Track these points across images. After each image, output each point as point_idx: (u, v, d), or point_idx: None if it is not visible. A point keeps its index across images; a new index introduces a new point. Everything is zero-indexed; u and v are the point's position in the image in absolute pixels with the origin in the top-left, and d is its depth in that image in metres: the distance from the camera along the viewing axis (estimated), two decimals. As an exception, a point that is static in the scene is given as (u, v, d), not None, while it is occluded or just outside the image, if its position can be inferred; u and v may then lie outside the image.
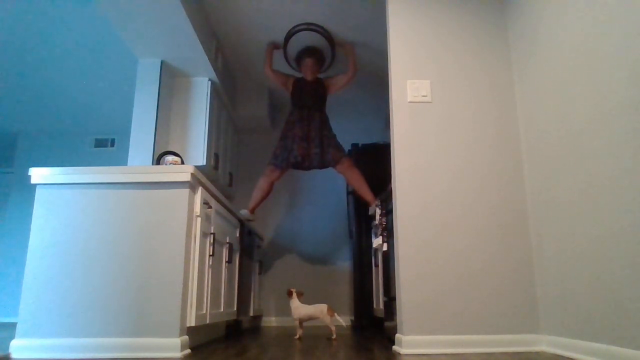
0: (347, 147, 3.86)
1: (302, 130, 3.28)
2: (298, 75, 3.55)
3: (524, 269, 2.12)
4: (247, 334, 3.10)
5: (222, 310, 2.55)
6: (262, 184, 3.34)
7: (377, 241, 2.74)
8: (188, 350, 1.99)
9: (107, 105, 4.64)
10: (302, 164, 3.26)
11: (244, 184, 4.40)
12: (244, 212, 3.30)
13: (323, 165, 3.27)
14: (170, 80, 3.36)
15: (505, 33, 2.42)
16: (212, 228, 2.36)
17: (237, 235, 3.03)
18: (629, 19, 1.51)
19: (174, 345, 1.88)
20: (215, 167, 3.54)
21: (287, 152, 3.26)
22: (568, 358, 1.77)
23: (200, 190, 2.18)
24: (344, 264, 4.24)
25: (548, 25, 2.02)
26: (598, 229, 1.65)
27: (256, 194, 3.35)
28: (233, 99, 4.08)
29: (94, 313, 1.94)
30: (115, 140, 5.31)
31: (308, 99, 3.38)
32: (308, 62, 3.41)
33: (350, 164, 3.26)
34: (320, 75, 3.60)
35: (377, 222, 2.78)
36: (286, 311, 4.03)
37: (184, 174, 2.07)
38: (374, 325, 3.46)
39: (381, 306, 2.81)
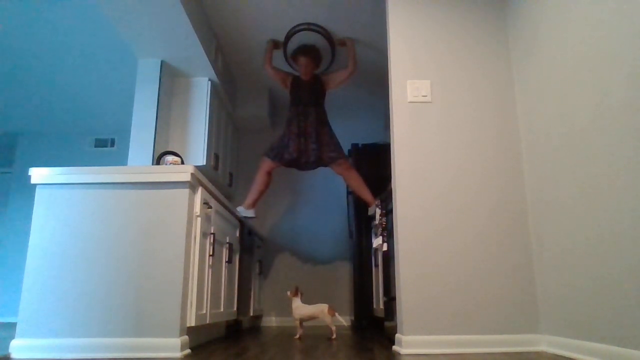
0: (347, 147, 3.86)
1: (298, 126, 3.27)
2: (297, 73, 3.55)
3: (524, 269, 2.12)
4: (247, 334, 3.10)
5: (222, 310, 2.56)
6: (258, 177, 3.31)
7: (377, 241, 2.74)
8: (188, 350, 1.99)
9: (107, 105, 4.64)
10: (299, 161, 3.24)
11: (244, 184, 4.39)
12: (241, 209, 3.27)
13: (320, 161, 3.24)
14: (170, 80, 3.36)
15: (505, 33, 2.42)
16: (212, 228, 2.36)
17: (237, 235, 3.03)
18: (629, 19, 1.51)
19: (174, 345, 1.88)
20: (215, 167, 3.54)
21: (283, 149, 3.26)
22: (568, 358, 1.77)
23: (200, 190, 2.18)
24: (344, 264, 4.24)
25: (548, 25, 2.02)
26: (598, 229, 1.65)
27: (254, 188, 3.31)
28: (233, 99, 4.08)
29: (94, 313, 1.94)
30: (115, 140, 5.31)
31: (305, 95, 3.37)
32: (302, 61, 3.38)
33: (349, 165, 3.25)
34: (319, 71, 3.60)
35: (377, 222, 2.78)
36: (286, 311, 4.03)
37: (184, 174, 2.07)
38: (374, 325, 3.46)
39: (381, 306, 2.81)
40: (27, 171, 2.22)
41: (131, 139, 3.01)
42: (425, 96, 2.31)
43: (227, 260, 2.66)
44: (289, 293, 2.79)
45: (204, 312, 2.21)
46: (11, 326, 3.81)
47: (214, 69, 3.33)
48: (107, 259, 2.00)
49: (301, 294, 2.78)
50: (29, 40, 3.45)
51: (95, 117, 4.94)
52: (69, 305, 1.95)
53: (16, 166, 5.26)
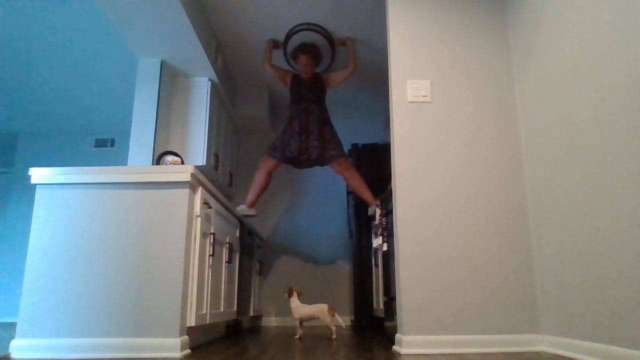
0: (347, 147, 3.86)
1: (300, 124, 3.26)
2: (297, 71, 3.55)
3: (524, 269, 2.12)
4: (247, 334, 3.10)
5: (222, 310, 2.56)
6: (258, 175, 3.29)
7: (377, 241, 2.74)
8: (188, 350, 1.99)
9: (107, 105, 4.64)
10: (300, 158, 3.23)
11: (244, 184, 4.39)
12: (241, 208, 3.26)
13: (322, 159, 3.23)
14: (170, 80, 3.36)
15: (505, 33, 2.42)
16: (212, 228, 2.36)
17: (237, 235, 3.03)
18: (629, 19, 1.51)
19: (174, 345, 1.88)
20: (215, 167, 3.54)
21: (284, 146, 3.25)
22: (568, 358, 1.77)
23: (200, 190, 2.18)
24: (344, 264, 4.24)
25: (548, 25, 2.02)
26: (598, 229, 1.65)
27: (254, 187, 3.29)
28: (233, 99, 4.09)
29: (94, 313, 1.94)
30: (115, 140, 5.31)
31: (306, 93, 3.37)
32: (302, 59, 3.38)
33: (349, 164, 3.24)
34: (318, 70, 3.60)
35: (377, 222, 2.78)
36: (286, 311, 4.03)
37: (184, 174, 2.07)
38: (374, 325, 3.46)
39: (381, 306, 2.81)
40: (27, 171, 2.22)
41: (131, 139, 3.01)
42: (425, 96, 2.31)
43: (227, 260, 2.66)
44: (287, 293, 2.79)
45: (204, 312, 2.21)
46: (11, 326, 3.81)
47: (214, 69, 3.33)
48: (107, 259, 2.00)
49: (298, 294, 2.78)
50: (29, 40, 3.45)
51: (95, 117, 4.94)
52: (69, 305, 1.95)
53: (16, 166, 5.26)
